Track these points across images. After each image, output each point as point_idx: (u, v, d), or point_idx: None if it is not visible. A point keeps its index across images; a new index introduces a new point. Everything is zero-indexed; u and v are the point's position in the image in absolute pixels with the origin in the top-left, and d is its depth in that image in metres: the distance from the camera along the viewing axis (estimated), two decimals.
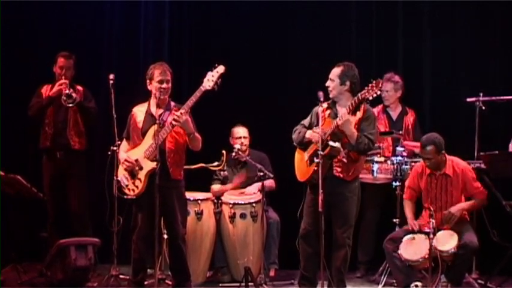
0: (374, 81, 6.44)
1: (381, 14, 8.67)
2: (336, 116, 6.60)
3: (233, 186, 8.00)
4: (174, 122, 6.52)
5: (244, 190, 7.92)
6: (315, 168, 6.46)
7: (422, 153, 7.02)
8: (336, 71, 6.72)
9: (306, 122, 6.85)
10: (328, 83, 6.70)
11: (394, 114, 8.16)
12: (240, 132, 8.03)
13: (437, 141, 6.97)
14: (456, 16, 8.51)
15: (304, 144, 6.74)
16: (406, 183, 7.31)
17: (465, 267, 7.01)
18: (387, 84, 8.02)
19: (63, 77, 7.84)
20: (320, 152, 6.33)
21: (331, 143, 6.44)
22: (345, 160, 6.58)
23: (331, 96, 6.69)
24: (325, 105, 6.73)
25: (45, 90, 7.99)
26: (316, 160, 6.38)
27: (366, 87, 6.44)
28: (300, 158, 6.80)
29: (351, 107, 6.47)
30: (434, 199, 7.07)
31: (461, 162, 7.13)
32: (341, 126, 6.47)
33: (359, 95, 6.46)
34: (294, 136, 6.83)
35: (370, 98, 6.47)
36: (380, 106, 8.12)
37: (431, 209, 6.69)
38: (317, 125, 6.58)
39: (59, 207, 7.97)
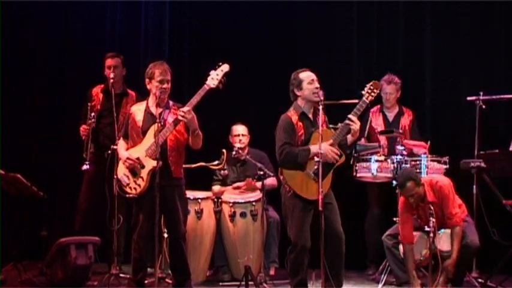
0: (371, 84, 6.46)
1: (381, 13, 8.70)
2: (312, 125, 6.51)
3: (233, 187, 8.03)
4: (181, 118, 6.51)
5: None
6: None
7: (404, 192, 6.79)
8: (314, 75, 6.63)
9: (288, 139, 6.53)
10: (317, 85, 6.56)
11: (391, 115, 8.15)
12: (239, 130, 8.04)
13: (413, 175, 6.79)
14: (457, 15, 8.52)
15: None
16: (399, 226, 6.97)
17: (466, 266, 7.01)
18: (389, 87, 8.01)
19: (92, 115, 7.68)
20: (320, 151, 6.31)
21: None
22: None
23: (316, 99, 6.47)
24: (293, 117, 6.58)
25: (96, 93, 7.88)
26: (316, 159, 6.35)
27: (365, 92, 6.43)
28: (300, 177, 6.51)
29: (358, 113, 6.44)
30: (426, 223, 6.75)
31: (441, 180, 6.91)
32: (355, 132, 6.44)
33: (365, 99, 6.44)
34: (292, 157, 6.46)
35: (373, 100, 6.52)
36: (377, 106, 8.11)
37: (431, 208, 6.69)
38: (317, 126, 6.51)
39: (95, 205, 7.82)
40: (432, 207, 6.61)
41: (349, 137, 6.52)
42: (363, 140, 7.82)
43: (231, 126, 8.12)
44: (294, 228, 6.54)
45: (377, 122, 8.09)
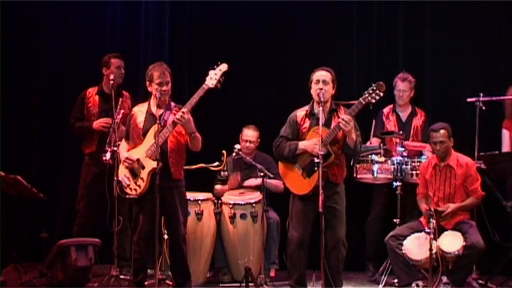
0: (375, 84, 6.46)
1: (381, 13, 8.67)
2: (318, 123, 6.54)
3: (229, 187, 8.00)
4: (177, 121, 6.52)
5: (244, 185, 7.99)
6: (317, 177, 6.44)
7: (435, 137, 7.13)
8: (328, 75, 6.67)
9: (286, 133, 6.77)
10: (322, 86, 6.61)
11: (404, 116, 8.11)
12: (248, 135, 8.01)
13: (448, 127, 7.16)
14: (457, 16, 8.50)
15: (295, 157, 6.69)
16: (418, 186, 7.37)
17: (470, 267, 7.06)
18: (404, 84, 7.98)
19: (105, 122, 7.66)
20: (320, 153, 6.32)
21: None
22: (337, 162, 6.62)
23: (323, 99, 6.55)
24: (301, 114, 6.75)
25: (91, 95, 7.87)
26: (316, 160, 6.37)
27: (366, 92, 6.45)
28: (292, 171, 6.72)
29: (353, 113, 6.45)
30: (437, 190, 7.16)
31: (466, 157, 7.23)
32: (347, 132, 6.45)
33: (361, 99, 6.46)
34: (281, 150, 6.71)
35: (373, 101, 6.48)
36: (390, 106, 8.10)
37: (431, 209, 6.72)
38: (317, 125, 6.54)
39: (93, 207, 7.82)
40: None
41: (348, 139, 6.52)
42: (374, 141, 7.81)
43: (231, 127, 8.15)
44: (291, 221, 6.72)
45: (390, 123, 8.07)
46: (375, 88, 6.45)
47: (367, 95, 6.46)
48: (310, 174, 6.54)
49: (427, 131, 7.89)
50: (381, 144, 7.72)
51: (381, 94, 6.48)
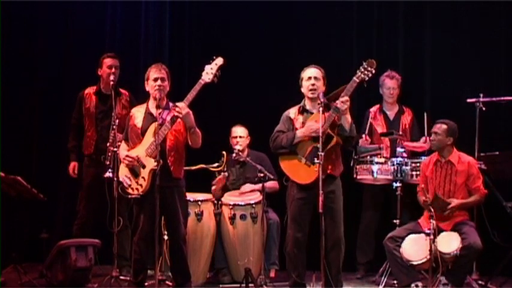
0: (366, 62, 6.53)
1: (381, 13, 8.67)
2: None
3: (217, 188, 7.95)
4: (176, 114, 6.50)
5: (240, 190, 7.97)
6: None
7: (433, 127, 7.18)
8: (319, 72, 6.81)
9: (281, 128, 6.86)
10: (314, 82, 6.74)
11: (392, 114, 8.13)
12: (238, 131, 8.02)
13: (451, 125, 7.14)
14: (457, 16, 8.49)
15: (293, 147, 6.73)
16: (419, 184, 7.32)
17: (468, 268, 7.05)
18: (392, 82, 8.01)
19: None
20: (320, 153, 6.33)
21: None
22: (333, 156, 6.68)
23: (312, 95, 6.73)
24: (293, 111, 6.83)
25: (89, 95, 7.87)
26: (316, 160, 6.37)
27: (358, 70, 6.53)
28: (294, 163, 6.75)
29: (348, 93, 6.51)
30: (438, 187, 7.13)
31: (468, 156, 7.23)
32: (343, 111, 6.50)
33: (355, 78, 6.54)
34: (279, 141, 6.78)
35: (367, 78, 6.55)
36: (377, 106, 8.11)
37: (432, 210, 6.71)
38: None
39: (93, 208, 7.83)
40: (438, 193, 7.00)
41: (343, 120, 6.56)
42: (364, 138, 7.79)
43: (231, 127, 8.10)
44: (288, 219, 6.77)
45: (378, 122, 8.07)
46: (366, 66, 6.53)
47: (359, 73, 6.54)
48: (313, 162, 6.53)
49: (416, 129, 7.93)
50: (382, 145, 7.72)
51: (373, 71, 6.56)
